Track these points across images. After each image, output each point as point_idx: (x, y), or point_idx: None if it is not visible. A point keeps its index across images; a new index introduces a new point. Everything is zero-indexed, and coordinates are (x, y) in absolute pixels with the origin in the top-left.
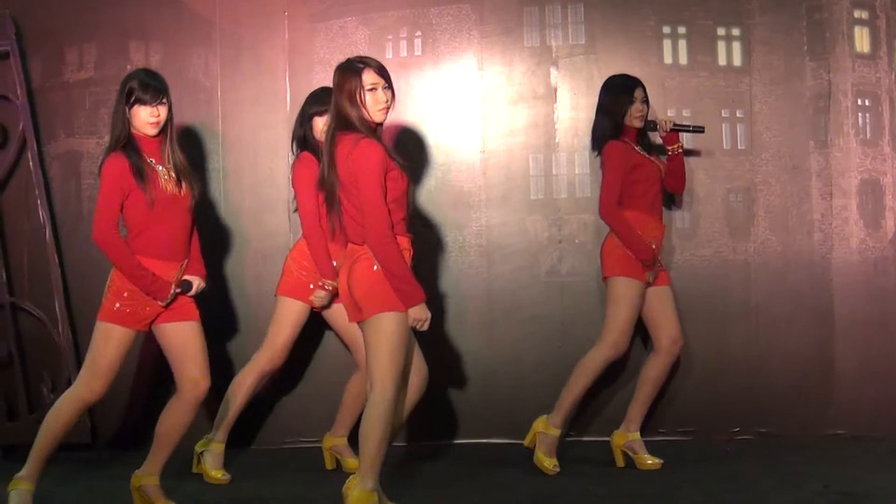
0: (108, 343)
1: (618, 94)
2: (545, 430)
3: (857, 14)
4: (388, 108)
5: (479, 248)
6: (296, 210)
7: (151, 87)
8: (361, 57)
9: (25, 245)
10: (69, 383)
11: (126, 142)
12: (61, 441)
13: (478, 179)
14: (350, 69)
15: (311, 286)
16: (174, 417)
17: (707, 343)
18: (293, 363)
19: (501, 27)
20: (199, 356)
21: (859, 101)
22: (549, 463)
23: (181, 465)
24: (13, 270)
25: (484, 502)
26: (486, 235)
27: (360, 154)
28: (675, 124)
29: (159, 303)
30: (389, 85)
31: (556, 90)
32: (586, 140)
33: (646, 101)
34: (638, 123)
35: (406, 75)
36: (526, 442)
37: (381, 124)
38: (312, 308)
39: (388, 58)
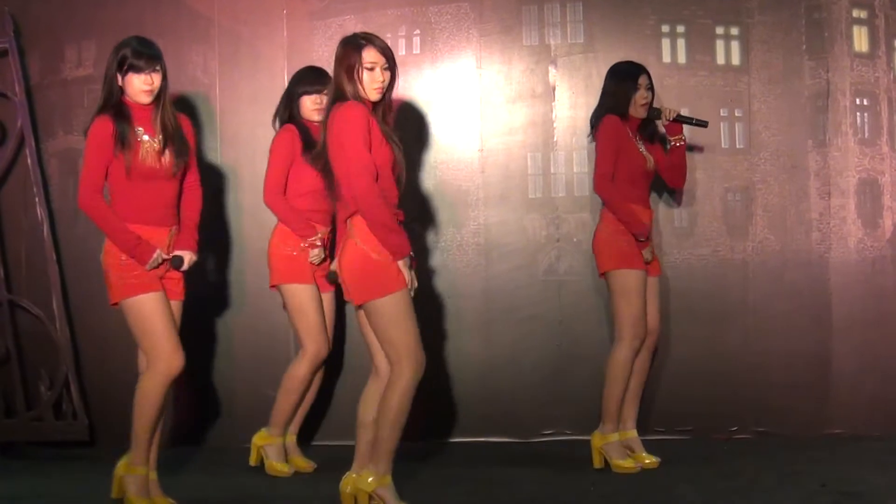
0: (149, 316)
1: (622, 80)
2: (604, 439)
3: (855, 13)
4: (383, 87)
5: (477, 246)
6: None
7: (145, 54)
8: (366, 33)
9: (23, 242)
10: (67, 381)
11: (117, 108)
12: (158, 421)
13: (476, 178)
14: (352, 44)
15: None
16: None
17: (705, 342)
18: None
19: (500, 25)
20: (176, 333)
21: (858, 101)
22: (628, 464)
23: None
24: (11, 267)
25: (483, 501)
26: (484, 234)
27: (341, 114)
28: (678, 115)
29: (143, 266)
30: (391, 66)
31: (554, 89)
32: (585, 139)
33: (650, 88)
34: (642, 112)
35: (404, 73)
36: (595, 464)
37: (378, 103)
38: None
39: None
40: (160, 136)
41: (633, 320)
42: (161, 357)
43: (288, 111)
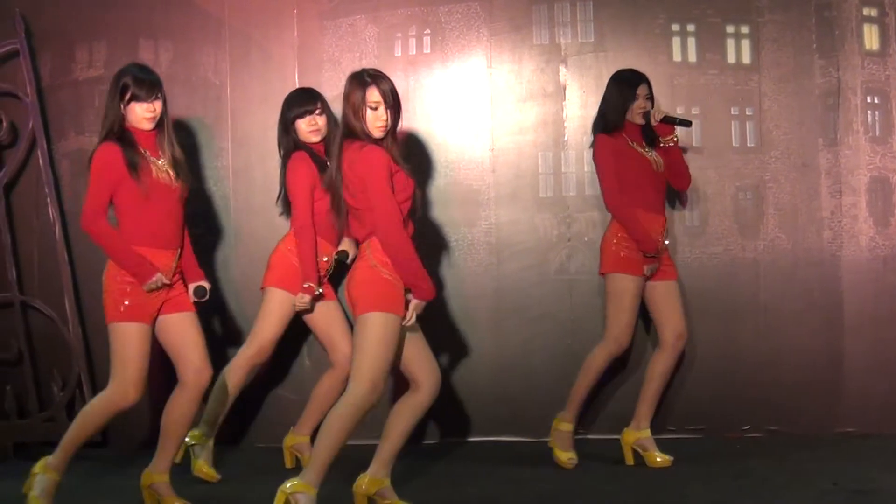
0: (128, 344)
1: (621, 88)
2: (557, 425)
3: (865, 11)
4: (386, 127)
5: (487, 245)
6: (281, 213)
7: (146, 82)
8: (373, 72)
9: (35, 243)
10: (79, 381)
11: (120, 134)
12: (89, 439)
13: (487, 177)
14: (357, 82)
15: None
16: (180, 409)
17: (716, 341)
18: (288, 359)
19: (510, 25)
20: (199, 344)
21: (868, 99)
22: (563, 457)
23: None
24: (23, 268)
25: (494, 500)
26: (496, 233)
27: (364, 158)
28: (665, 116)
29: (142, 286)
30: (394, 105)
31: (565, 88)
32: None
33: (650, 97)
34: (639, 119)
35: (415, 73)
36: (549, 442)
37: (384, 138)
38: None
39: (396, 55)
40: (167, 158)
41: (619, 324)
42: (122, 384)
43: (287, 137)
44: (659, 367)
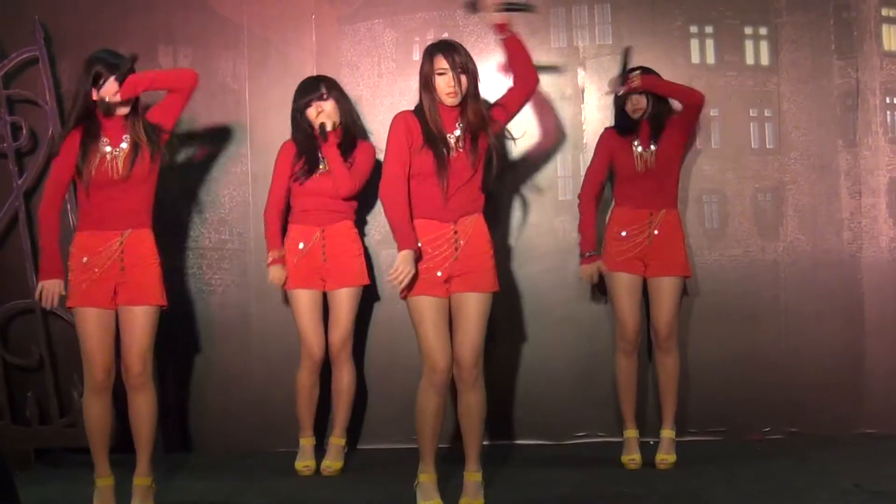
0: (81, 328)
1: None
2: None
3: (884, 12)
4: (457, 93)
5: (507, 249)
6: None
7: (118, 67)
8: (441, 42)
9: None
10: None
11: (88, 123)
12: (105, 435)
13: (506, 180)
14: (426, 54)
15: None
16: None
17: (737, 343)
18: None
19: (528, 28)
20: (130, 342)
21: (888, 100)
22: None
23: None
24: None
25: (516, 503)
26: (515, 236)
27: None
28: (504, 3)
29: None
30: (465, 70)
31: (583, 91)
32: None
33: (643, 93)
34: (635, 116)
35: None
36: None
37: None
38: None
39: (415, 59)
40: (127, 145)
41: (616, 322)
42: (87, 367)
43: (295, 126)
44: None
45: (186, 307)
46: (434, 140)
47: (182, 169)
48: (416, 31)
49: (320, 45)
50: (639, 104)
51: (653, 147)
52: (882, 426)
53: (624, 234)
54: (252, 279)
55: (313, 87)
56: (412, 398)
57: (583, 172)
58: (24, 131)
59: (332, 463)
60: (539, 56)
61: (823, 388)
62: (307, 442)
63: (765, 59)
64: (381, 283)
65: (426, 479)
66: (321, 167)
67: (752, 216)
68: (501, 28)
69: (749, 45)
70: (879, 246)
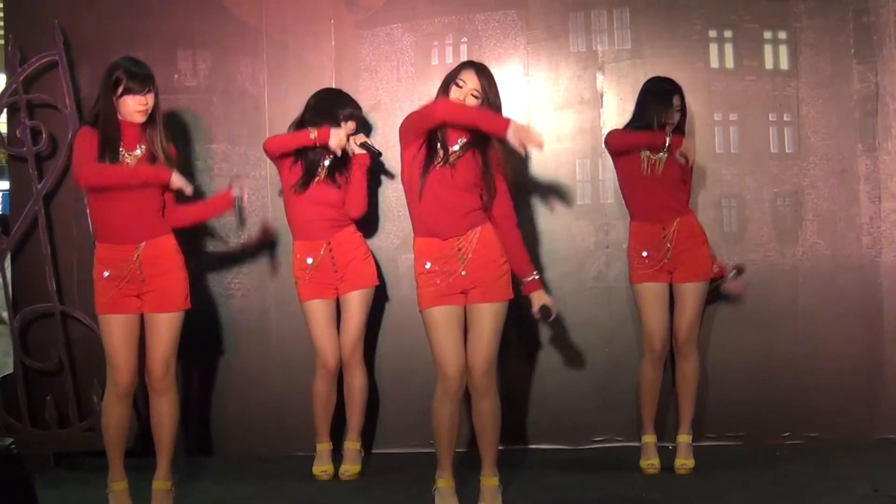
0: (107, 334)
1: (656, 100)
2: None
3: None
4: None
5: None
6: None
7: (139, 75)
8: (479, 64)
9: (74, 253)
10: None
11: (106, 128)
12: (122, 439)
13: (524, 185)
14: (462, 63)
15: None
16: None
17: (755, 347)
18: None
19: (547, 32)
20: (154, 347)
21: None
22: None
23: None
24: (63, 278)
25: None
26: (533, 241)
27: None
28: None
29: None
30: (486, 98)
31: (602, 95)
32: None
33: (680, 110)
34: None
35: None
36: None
37: None
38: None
39: (434, 64)
40: (140, 152)
41: (645, 332)
42: (111, 373)
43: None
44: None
45: (206, 311)
46: (432, 147)
47: (201, 173)
48: (435, 36)
49: (339, 50)
50: (671, 119)
51: (662, 154)
52: None
53: (645, 254)
54: (271, 283)
55: (345, 103)
56: (427, 402)
57: (601, 177)
58: (44, 135)
59: (350, 467)
60: (558, 60)
61: (842, 392)
62: (324, 447)
63: (784, 64)
64: (394, 286)
65: (444, 484)
66: (318, 177)
67: (770, 221)
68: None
69: (768, 49)
70: None
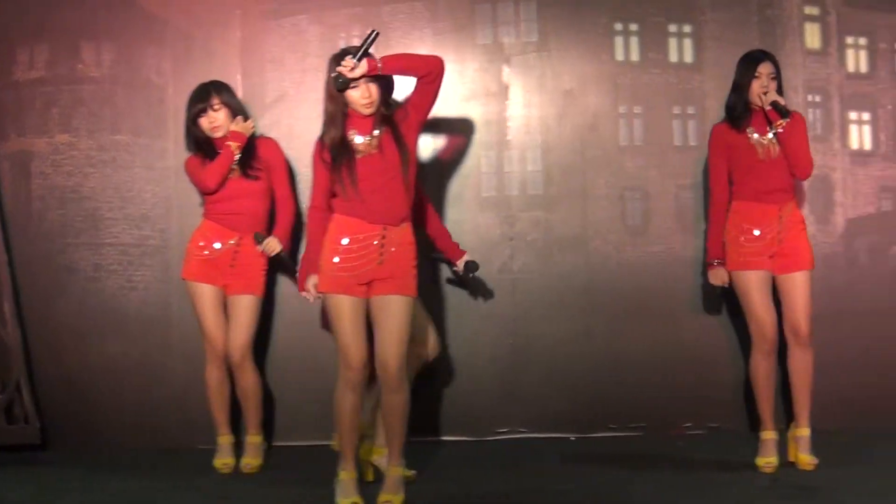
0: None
1: (743, 68)
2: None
3: (807, 10)
4: (372, 102)
5: (430, 245)
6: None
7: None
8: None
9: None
10: (18, 384)
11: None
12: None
13: (430, 176)
14: (335, 62)
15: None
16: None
17: (656, 339)
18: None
19: (454, 24)
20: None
21: (809, 97)
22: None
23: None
24: None
25: (433, 500)
26: None
27: None
28: (773, 102)
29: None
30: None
31: (508, 87)
32: (538, 137)
33: (775, 76)
34: (758, 101)
35: None
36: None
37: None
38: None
39: None
40: None
41: (752, 322)
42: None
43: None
44: (790, 363)
45: (107, 303)
46: (343, 146)
47: (103, 164)
48: (342, 27)
49: (245, 41)
50: (766, 88)
51: (770, 135)
52: (827, 422)
53: (757, 232)
54: (174, 276)
55: (204, 97)
56: (327, 394)
57: (507, 168)
58: None
59: (251, 460)
60: (464, 52)
61: (744, 383)
62: (225, 440)
63: (688, 57)
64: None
65: (346, 476)
66: (232, 172)
67: (674, 213)
68: (774, 119)
69: (673, 42)
70: None
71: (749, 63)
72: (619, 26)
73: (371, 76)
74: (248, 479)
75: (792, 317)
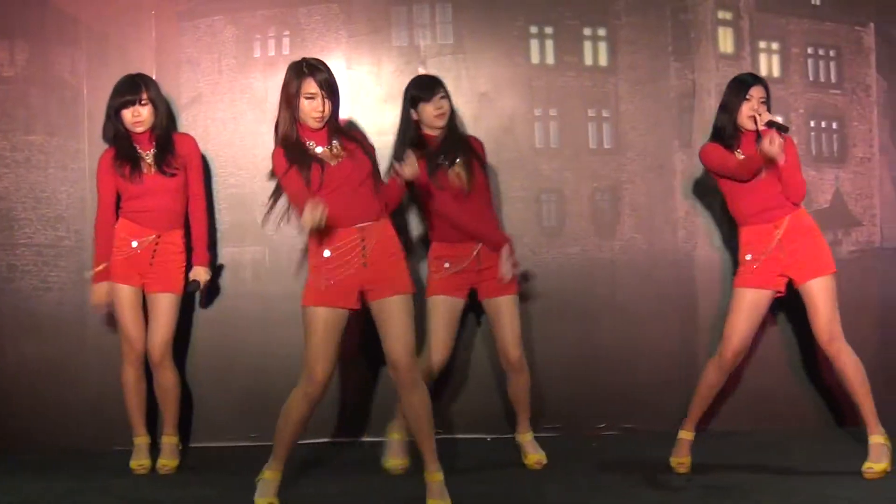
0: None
1: (733, 89)
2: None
3: (720, 15)
4: (322, 116)
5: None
6: None
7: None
8: (312, 61)
9: None
10: None
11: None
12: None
13: None
14: (294, 72)
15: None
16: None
17: (573, 340)
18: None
19: (370, 26)
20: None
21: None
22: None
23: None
24: None
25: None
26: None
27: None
28: (769, 121)
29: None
30: (332, 95)
31: None
32: None
33: (765, 101)
34: (748, 124)
35: (274, 74)
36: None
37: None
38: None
39: (255, 57)
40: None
41: (723, 335)
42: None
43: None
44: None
45: (22, 304)
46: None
47: (17, 164)
48: (257, 28)
49: (160, 41)
50: (756, 113)
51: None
52: (718, 422)
53: (749, 257)
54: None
55: (133, 89)
56: (246, 395)
57: None
58: None
59: (167, 461)
60: (380, 54)
61: (658, 384)
62: (141, 441)
63: (603, 60)
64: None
65: (271, 476)
66: (146, 169)
67: (589, 215)
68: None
69: (588, 45)
70: (713, 244)
71: (740, 85)
72: (534, 29)
73: (328, 95)
74: (162, 480)
75: (814, 330)
